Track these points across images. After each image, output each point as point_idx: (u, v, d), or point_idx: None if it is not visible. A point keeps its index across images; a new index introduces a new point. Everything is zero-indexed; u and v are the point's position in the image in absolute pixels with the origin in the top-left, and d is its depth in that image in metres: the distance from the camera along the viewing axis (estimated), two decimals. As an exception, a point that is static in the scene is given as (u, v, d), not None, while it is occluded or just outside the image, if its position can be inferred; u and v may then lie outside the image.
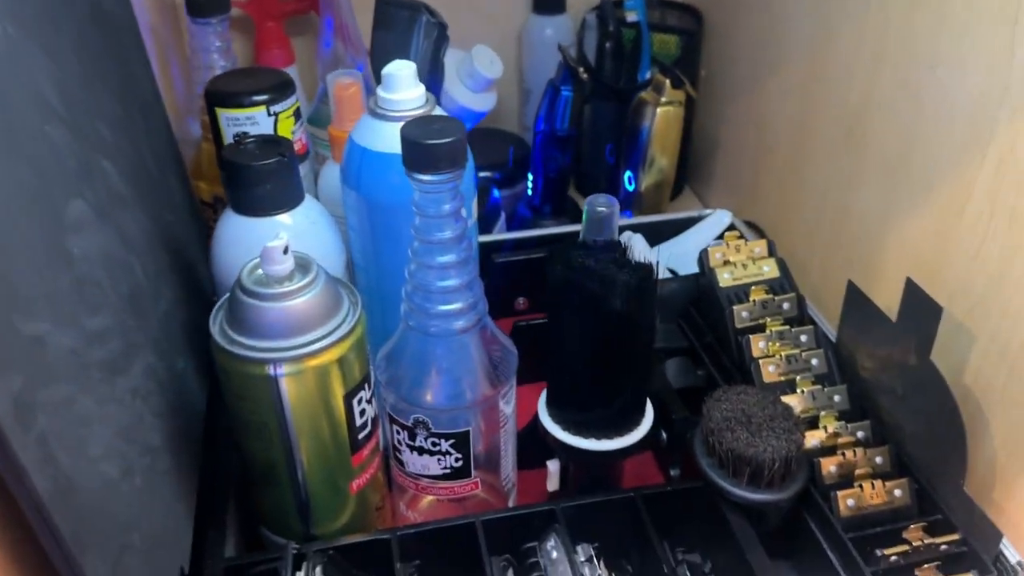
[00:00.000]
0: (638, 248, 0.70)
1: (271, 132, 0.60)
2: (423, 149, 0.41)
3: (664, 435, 0.59)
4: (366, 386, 0.47)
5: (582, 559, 0.48)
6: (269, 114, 0.59)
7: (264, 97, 0.59)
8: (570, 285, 0.47)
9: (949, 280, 0.55)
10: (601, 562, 0.48)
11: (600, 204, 0.56)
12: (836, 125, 0.67)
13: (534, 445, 0.56)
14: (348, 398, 0.46)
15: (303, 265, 0.45)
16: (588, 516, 0.51)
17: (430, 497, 0.52)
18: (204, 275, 0.62)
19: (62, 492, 0.33)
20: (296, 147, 0.60)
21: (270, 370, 0.43)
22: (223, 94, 0.60)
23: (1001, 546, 0.46)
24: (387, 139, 0.49)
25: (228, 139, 0.60)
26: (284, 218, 0.51)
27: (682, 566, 0.51)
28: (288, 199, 0.51)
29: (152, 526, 0.43)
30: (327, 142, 0.67)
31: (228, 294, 0.45)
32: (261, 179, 0.49)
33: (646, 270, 0.47)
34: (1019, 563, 0.46)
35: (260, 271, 0.44)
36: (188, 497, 0.50)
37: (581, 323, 0.48)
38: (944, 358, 0.51)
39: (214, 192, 0.71)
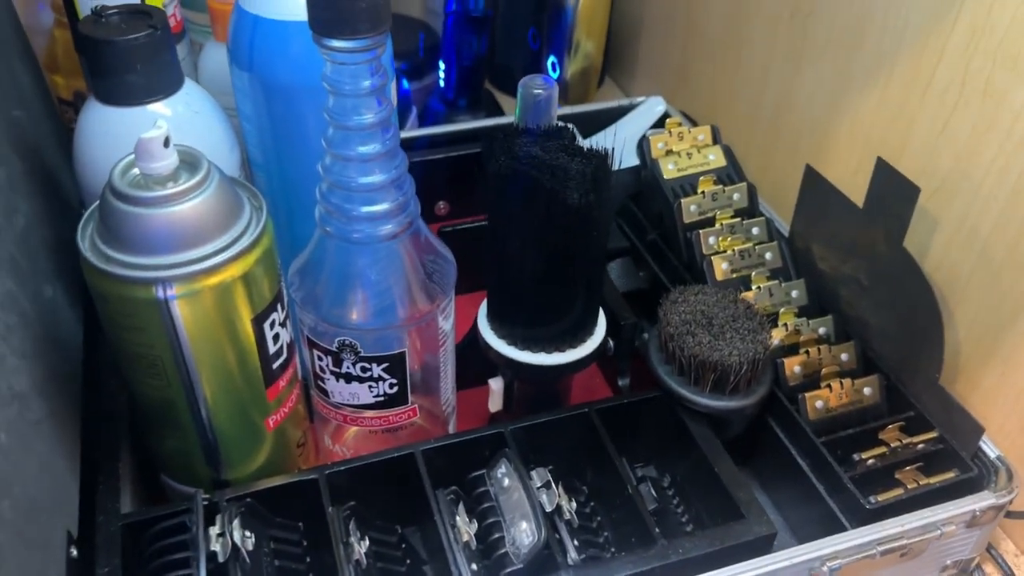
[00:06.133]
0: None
1: (138, 2, 0.49)
2: (336, 6, 0.32)
3: (611, 343, 0.54)
4: (279, 307, 0.40)
5: (538, 485, 0.43)
6: (134, -17, 0.49)
7: (125, -38, 0.49)
8: (515, 178, 0.40)
9: (911, 160, 0.51)
10: (559, 486, 0.43)
11: (537, 86, 0.49)
12: (778, 0, 0.61)
13: (473, 362, 0.50)
14: (258, 322, 0.39)
15: (190, 161, 0.36)
16: (539, 437, 0.46)
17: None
18: (69, 184, 0.52)
19: None
20: (171, 23, 0.50)
21: (158, 292, 0.35)
22: (73, -40, 0.49)
23: (980, 442, 0.44)
24: (284, 3, 0.40)
25: (85, 14, 0.49)
26: (160, 107, 0.42)
27: (645, 483, 0.47)
28: (164, 83, 0.42)
29: (26, 489, 0.35)
30: (205, 28, 0.57)
31: (98, 201, 0.37)
32: (129, 58, 0.40)
33: (601, 158, 0.41)
34: (999, 458, 0.44)
35: (136, 170, 0.35)
36: (70, 448, 0.42)
37: (529, 223, 0.41)
38: (906, 244, 0.47)
39: (74, 87, 0.60)
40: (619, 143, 0.66)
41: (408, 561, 0.44)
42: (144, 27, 0.40)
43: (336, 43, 0.34)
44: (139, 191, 0.35)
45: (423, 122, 0.77)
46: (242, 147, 0.46)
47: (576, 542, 0.43)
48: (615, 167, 0.42)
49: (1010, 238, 0.46)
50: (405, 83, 0.73)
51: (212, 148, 0.43)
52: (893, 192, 0.46)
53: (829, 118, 0.58)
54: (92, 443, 0.44)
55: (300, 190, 0.44)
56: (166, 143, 0.34)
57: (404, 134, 0.67)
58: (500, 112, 0.79)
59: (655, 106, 0.71)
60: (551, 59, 0.74)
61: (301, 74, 0.40)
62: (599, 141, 0.71)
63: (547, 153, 0.41)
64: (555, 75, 0.74)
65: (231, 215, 0.37)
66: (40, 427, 0.38)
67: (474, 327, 0.48)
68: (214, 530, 0.39)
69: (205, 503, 0.40)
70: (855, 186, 0.49)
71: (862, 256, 0.49)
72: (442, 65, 0.77)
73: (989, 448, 0.44)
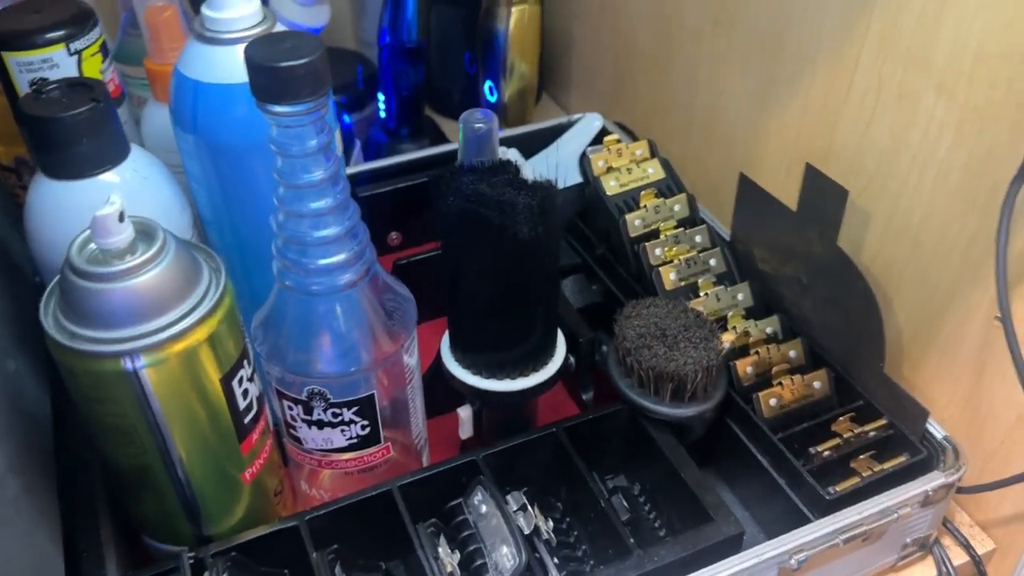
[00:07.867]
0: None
1: (76, 75, 0.50)
2: (277, 74, 0.34)
3: (572, 359, 0.56)
4: (245, 363, 0.41)
5: (515, 508, 0.44)
6: (70, 53, 0.49)
7: (61, 33, 0.49)
8: (466, 217, 0.42)
9: (839, 160, 0.54)
10: (535, 507, 0.45)
11: (477, 120, 0.51)
12: (701, 12, 0.63)
13: (440, 390, 0.51)
14: (226, 380, 0.39)
15: (146, 231, 0.37)
16: (511, 460, 0.48)
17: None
18: (19, 252, 0.52)
19: None
20: (110, 88, 0.50)
21: (126, 364, 0.36)
22: (8, 34, 0.49)
23: (926, 424, 0.46)
24: (224, 67, 0.41)
25: (24, 90, 0.50)
26: (109, 177, 0.42)
27: (616, 495, 0.49)
28: (111, 153, 0.42)
29: (9, 566, 0.36)
30: (142, 80, 0.57)
31: (58, 278, 0.37)
32: (74, 133, 0.40)
33: (546, 189, 0.43)
34: (946, 438, 0.46)
35: (92, 246, 0.36)
36: (49, 520, 0.42)
37: (482, 258, 0.43)
38: (841, 241, 0.49)
39: (14, 153, 0.60)
40: (561, 161, 0.68)
41: (395, 596, 0.45)
42: (86, 100, 0.41)
43: (279, 108, 0.35)
44: (98, 267, 0.35)
45: (367, 153, 0.78)
46: (192, 206, 0.47)
47: (556, 560, 0.44)
48: (559, 187, 0.43)
49: (936, 229, 0.48)
50: (346, 117, 0.74)
51: (163, 211, 0.44)
52: (823, 195, 0.48)
53: (758, 124, 0.61)
54: (71, 511, 0.44)
55: (254, 244, 0.45)
56: (121, 218, 0.35)
57: (351, 169, 0.68)
58: (443, 138, 0.80)
59: (592, 122, 0.73)
60: (488, 83, 0.76)
61: (247, 134, 0.41)
62: (541, 160, 0.73)
63: (494, 189, 0.42)
64: (493, 99, 0.76)
65: (191, 280, 0.38)
66: (17, 504, 0.39)
67: (438, 357, 0.50)
68: (202, 588, 0.39)
69: (191, 561, 0.41)
70: (788, 187, 0.51)
71: (800, 257, 0.51)
72: (381, 96, 0.78)
73: (936, 429, 0.47)
